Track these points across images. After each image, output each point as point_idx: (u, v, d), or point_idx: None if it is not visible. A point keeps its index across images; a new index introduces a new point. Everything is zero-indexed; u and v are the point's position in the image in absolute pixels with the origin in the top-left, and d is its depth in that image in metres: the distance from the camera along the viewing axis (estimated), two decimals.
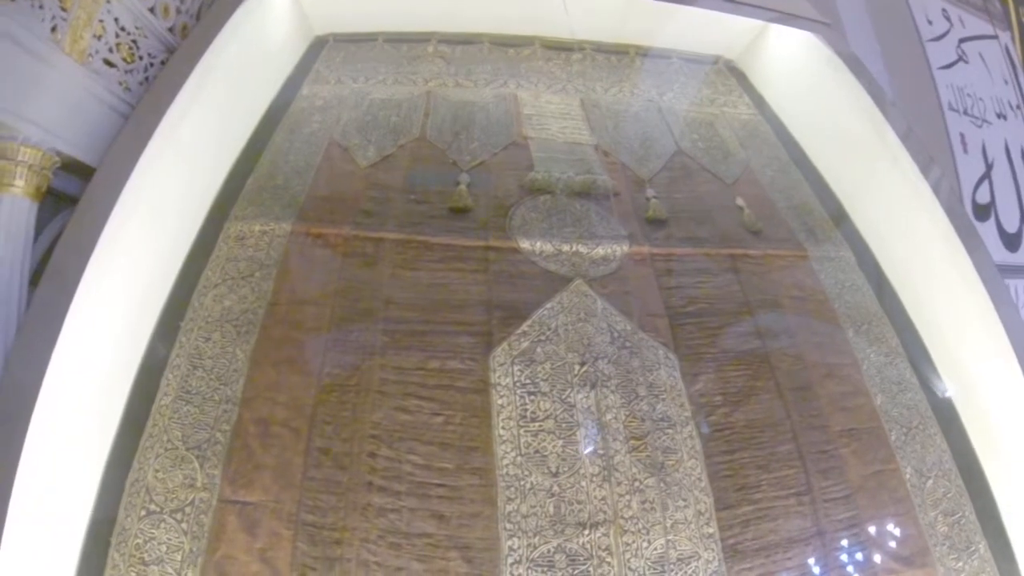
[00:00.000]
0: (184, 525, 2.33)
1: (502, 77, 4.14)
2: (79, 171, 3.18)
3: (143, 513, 2.37)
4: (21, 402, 2.18)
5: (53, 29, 2.89)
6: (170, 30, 3.46)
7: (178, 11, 3.48)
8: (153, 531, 2.33)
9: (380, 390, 2.62)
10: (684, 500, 2.48)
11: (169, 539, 2.31)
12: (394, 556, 2.29)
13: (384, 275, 2.98)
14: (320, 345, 2.75)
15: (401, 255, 3.04)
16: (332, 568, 2.26)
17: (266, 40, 3.69)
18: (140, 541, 2.31)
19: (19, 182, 3.11)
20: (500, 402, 2.62)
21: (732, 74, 4.62)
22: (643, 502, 2.45)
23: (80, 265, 2.49)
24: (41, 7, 2.82)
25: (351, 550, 2.28)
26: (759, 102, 4.43)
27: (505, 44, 4.38)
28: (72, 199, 3.20)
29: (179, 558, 2.27)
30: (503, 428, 2.56)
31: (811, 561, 2.52)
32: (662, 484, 2.50)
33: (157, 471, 2.44)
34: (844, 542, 2.59)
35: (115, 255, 2.61)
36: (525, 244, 3.12)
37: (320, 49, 4.18)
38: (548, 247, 3.12)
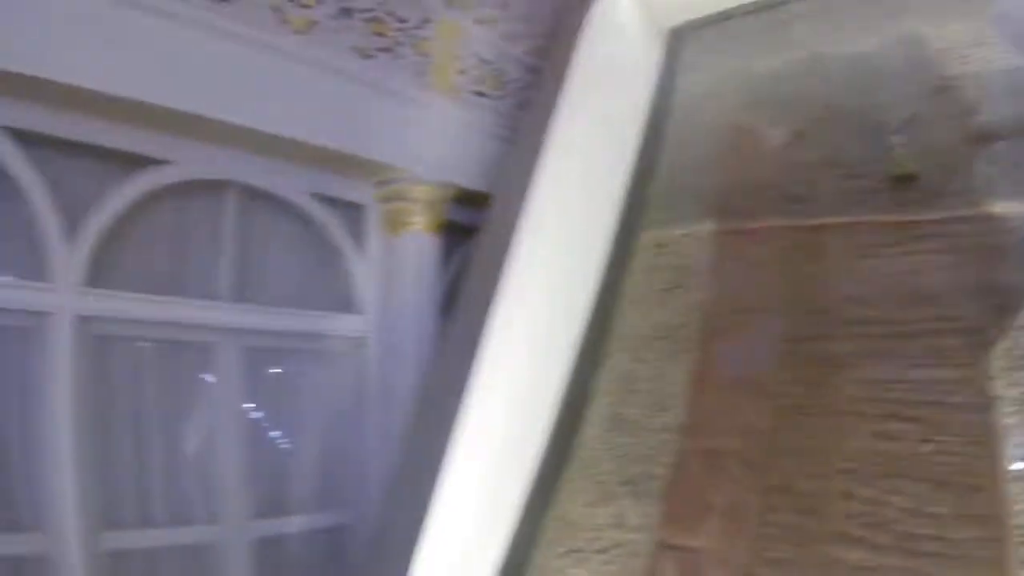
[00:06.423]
0: (612, 567, 2.15)
1: (890, 17, 3.57)
2: (471, 200, 3.54)
3: (562, 551, 2.24)
4: (438, 436, 2.17)
5: (418, 73, 3.18)
6: (527, 53, 3.67)
7: (529, 35, 3.68)
8: (574, 570, 2.21)
9: (853, 410, 2.23)
10: None
11: None
12: None
13: (835, 269, 2.65)
14: (771, 359, 2.49)
15: (850, 241, 2.72)
16: None
17: (623, 44, 3.67)
18: None
19: (418, 219, 3.58)
20: (1008, 422, 2.00)
21: None
22: None
23: (489, 293, 2.47)
24: (402, 57, 3.09)
25: None
26: None
27: None
28: (467, 229, 3.57)
29: None
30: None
31: None
32: None
33: (583, 506, 2.31)
34: None
35: (525, 279, 2.58)
36: (998, 207, 2.62)
37: (679, 40, 3.97)
38: None
